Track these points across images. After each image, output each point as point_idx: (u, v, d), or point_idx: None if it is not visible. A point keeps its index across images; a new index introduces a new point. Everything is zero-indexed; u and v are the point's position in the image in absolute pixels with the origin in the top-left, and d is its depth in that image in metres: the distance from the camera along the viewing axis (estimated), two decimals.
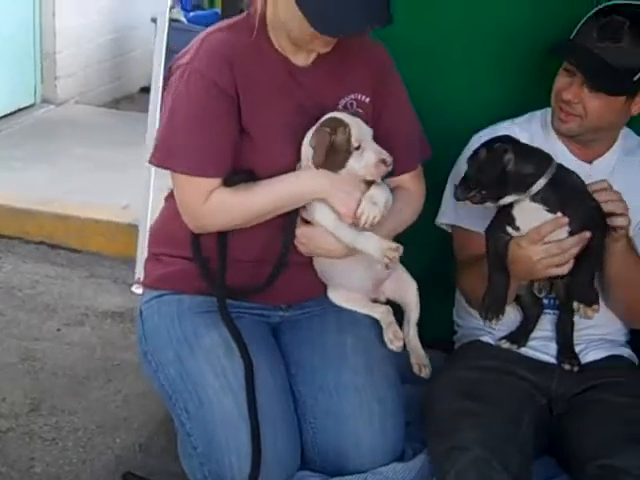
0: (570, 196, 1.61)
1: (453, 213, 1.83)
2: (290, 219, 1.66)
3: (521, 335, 1.79)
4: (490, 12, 1.95)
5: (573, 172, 1.64)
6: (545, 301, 1.77)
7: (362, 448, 1.66)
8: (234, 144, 1.63)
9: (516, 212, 1.63)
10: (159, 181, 2.58)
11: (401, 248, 1.61)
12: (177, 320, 1.70)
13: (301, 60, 1.67)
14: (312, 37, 1.58)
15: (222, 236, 1.68)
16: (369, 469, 1.64)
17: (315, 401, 1.69)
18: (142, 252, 2.76)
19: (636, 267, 1.70)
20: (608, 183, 1.64)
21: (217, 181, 1.63)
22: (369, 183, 1.63)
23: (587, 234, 1.60)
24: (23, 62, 4.44)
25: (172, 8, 4.18)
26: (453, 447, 1.54)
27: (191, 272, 1.71)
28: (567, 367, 1.74)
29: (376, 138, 1.64)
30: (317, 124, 1.62)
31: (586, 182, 1.65)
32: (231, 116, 1.62)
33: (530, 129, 1.81)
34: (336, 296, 1.78)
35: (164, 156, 1.64)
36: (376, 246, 1.61)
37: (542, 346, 1.78)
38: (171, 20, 3.17)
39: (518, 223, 1.63)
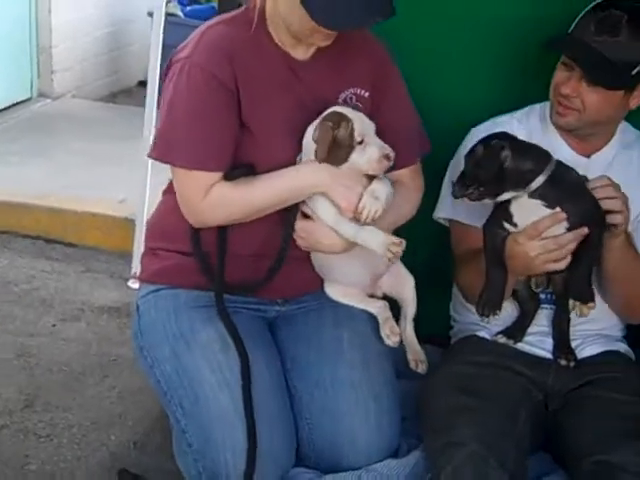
0: (569, 192, 1.60)
1: (451, 207, 1.82)
2: (290, 213, 1.66)
3: (517, 330, 1.78)
4: (489, 6, 1.94)
5: (572, 168, 1.64)
6: (542, 296, 1.77)
7: (358, 445, 1.65)
8: (234, 138, 1.62)
9: (514, 208, 1.62)
10: (156, 175, 2.57)
11: (404, 243, 1.60)
12: (173, 315, 1.70)
13: (300, 54, 1.66)
14: (313, 31, 1.57)
15: (222, 230, 1.67)
16: (364, 466, 1.64)
17: (311, 397, 1.68)
18: (139, 246, 2.75)
19: (634, 263, 1.70)
20: (609, 179, 1.63)
21: (217, 175, 1.62)
22: (370, 177, 1.63)
23: (585, 230, 1.59)
24: (19, 56, 4.42)
25: (169, 2, 4.17)
26: (449, 443, 1.54)
27: (188, 267, 1.71)
28: (563, 362, 1.74)
29: (376, 133, 1.63)
30: (319, 118, 1.61)
31: (585, 175, 1.64)
32: (231, 110, 1.61)
33: (529, 123, 1.81)
34: (333, 291, 1.78)
35: (164, 150, 1.63)
36: (379, 241, 1.60)
37: (538, 341, 1.78)
38: (167, 14, 3.17)
39: (516, 219, 1.63)
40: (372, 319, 1.77)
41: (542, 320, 1.78)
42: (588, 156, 1.78)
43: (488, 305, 1.66)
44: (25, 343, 2.51)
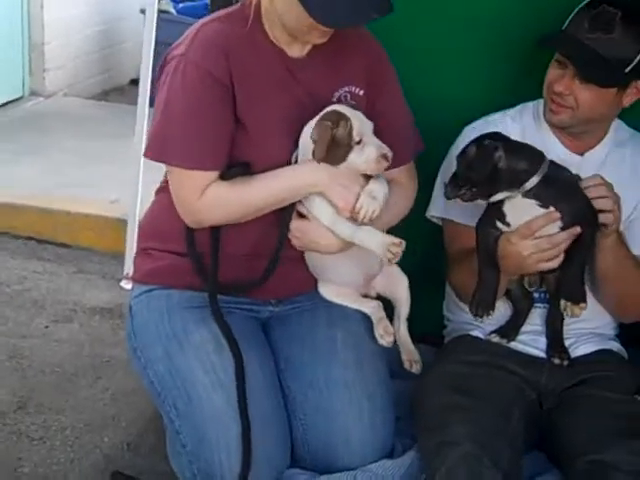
0: (563, 191, 1.60)
1: (443, 206, 1.82)
2: (286, 213, 1.65)
3: (511, 329, 1.78)
4: (482, 4, 1.94)
5: (564, 167, 1.63)
6: (535, 295, 1.77)
7: (352, 444, 1.65)
8: (231, 136, 1.61)
9: (507, 208, 1.62)
10: (148, 175, 2.56)
11: (404, 243, 1.59)
12: (166, 315, 1.69)
13: (296, 51, 1.66)
14: (310, 28, 1.56)
15: (215, 230, 1.66)
16: (359, 465, 1.64)
17: (305, 397, 1.68)
18: (131, 247, 2.74)
19: (626, 262, 1.70)
20: (601, 178, 1.63)
21: (214, 175, 1.61)
22: (367, 177, 1.62)
23: (577, 229, 1.59)
24: (11, 54, 4.40)
25: None
26: (443, 442, 1.54)
27: (181, 267, 1.70)
28: (557, 361, 1.74)
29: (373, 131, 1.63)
30: (317, 117, 1.60)
31: (577, 174, 1.64)
32: (227, 107, 1.60)
33: (522, 121, 1.80)
34: (327, 291, 1.77)
35: (159, 149, 1.62)
36: (378, 241, 1.59)
37: (532, 340, 1.78)
38: (160, 11, 3.15)
39: (509, 219, 1.62)
40: (366, 319, 1.76)
41: (536, 319, 1.78)
42: (581, 154, 1.78)
43: (481, 305, 1.66)
44: (17, 344, 2.50)
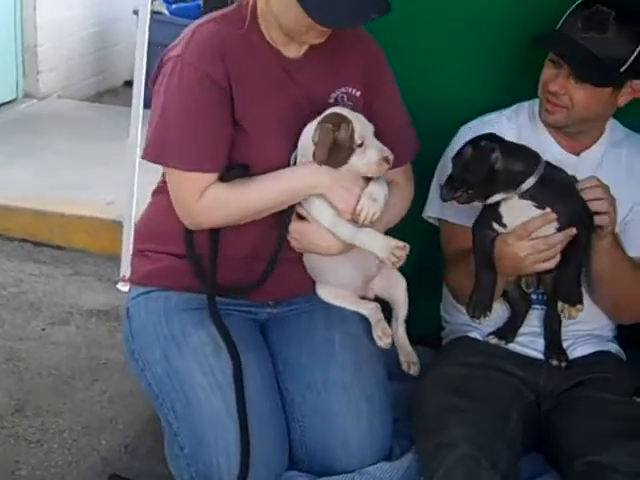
0: (559, 192, 1.60)
1: (439, 207, 1.82)
2: (285, 214, 1.64)
3: (509, 331, 1.78)
4: (480, 4, 1.94)
5: (560, 168, 1.64)
6: (533, 296, 1.77)
7: (350, 446, 1.65)
8: (229, 137, 1.61)
9: (503, 209, 1.62)
10: (144, 176, 2.55)
11: (408, 247, 1.59)
12: (164, 317, 1.69)
13: (292, 52, 1.65)
14: (308, 28, 1.56)
15: (214, 232, 1.66)
16: (357, 467, 1.64)
17: (303, 399, 1.68)
18: (127, 249, 2.73)
19: (622, 264, 1.70)
20: (597, 180, 1.63)
21: (213, 176, 1.60)
22: (367, 179, 1.62)
23: (573, 230, 1.59)
24: (4, 56, 4.39)
25: (154, 0, 4.14)
26: (441, 444, 1.54)
27: (179, 269, 1.69)
28: (555, 363, 1.74)
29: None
30: (318, 119, 1.59)
31: (574, 174, 1.64)
32: (225, 108, 1.60)
33: (518, 121, 1.81)
34: (325, 293, 1.77)
35: (157, 151, 1.61)
36: (382, 244, 1.59)
37: (530, 342, 1.78)
38: (153, 12, 3.15)
39: (505, 220, 1.62)
40: (364, 321, 1.76)
41: (533, 321, 1.78)
42: (577, 154, 1.78)
43: (478, 306, 1.66)
44: (14, 347, 2.49)
